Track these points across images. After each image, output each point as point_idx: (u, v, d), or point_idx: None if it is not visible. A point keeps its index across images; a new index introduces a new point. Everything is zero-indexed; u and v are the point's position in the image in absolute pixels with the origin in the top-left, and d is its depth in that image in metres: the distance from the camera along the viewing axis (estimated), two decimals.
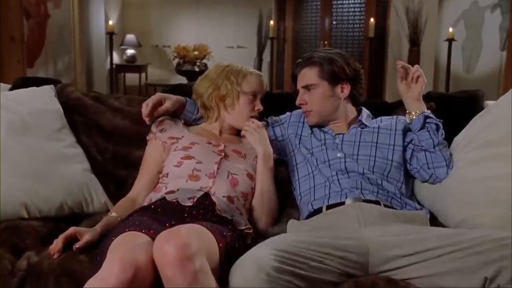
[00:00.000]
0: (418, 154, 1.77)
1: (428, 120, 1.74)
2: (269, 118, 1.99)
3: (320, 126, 1.88)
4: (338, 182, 1.72)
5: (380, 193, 1.68)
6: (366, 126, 1.85)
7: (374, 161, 1.76)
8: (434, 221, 1.69)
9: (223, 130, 1.85)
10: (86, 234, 1.47)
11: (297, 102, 1.85)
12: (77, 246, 1.44)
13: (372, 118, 1.91)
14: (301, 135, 1.89)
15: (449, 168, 1.72)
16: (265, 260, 1.26)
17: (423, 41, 6.07)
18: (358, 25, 7.14)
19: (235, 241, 1.44)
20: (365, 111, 1.91)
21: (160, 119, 1.84)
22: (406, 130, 1.83)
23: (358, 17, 7.14)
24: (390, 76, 6.34)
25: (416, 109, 1.76)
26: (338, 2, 7.12)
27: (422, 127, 1.74)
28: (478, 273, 1.28)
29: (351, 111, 1.89)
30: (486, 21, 6.14)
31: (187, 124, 1.89)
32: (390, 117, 1.91)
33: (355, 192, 1.67)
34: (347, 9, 7.24)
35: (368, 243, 1.43)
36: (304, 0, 7.51)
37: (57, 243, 1.45)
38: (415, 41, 6.06)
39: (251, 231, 1.59)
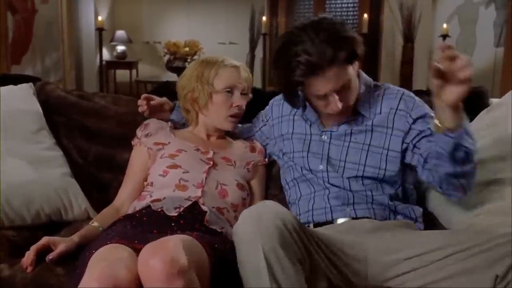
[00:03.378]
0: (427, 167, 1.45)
1: (460, 148, 1.27)
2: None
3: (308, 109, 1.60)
4: (327, 197, 1.53)
5: (372, 208, 1.51)
6: (363, 116, 1.54)
7: (363, 170, 1.52)
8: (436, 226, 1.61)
9: (210, 133, 1.74)
10: (60, 244, 1.37)
11: (335, 110, 1.46)
12: (50, 257, 1.34)
13: (375, 91, 1.58)
14: (282, 135, 1.69)
15: (466, 195, 1.42)
16: (287, 215, 1.17)
17: (417, 37, 6.04)
18: (351, 21, 7.07)
19: (227, 253, 1.33)
20: (363, 82, 1.56)
21: (145, 122, 1.74)
22: (408, 129, 1.51)
23: (352, 13, 7.09)
24: (383, 73, 6.30)
25: (448, 121, 1.26)
26: None
27: (449, 153, 1.29)
28: (487, 272, 1.19)
29: None
30: (480, 17, 6.10)
31: (175, 127, 1.79)
32: (395, 94, 1.56)
33: (346, 210, 1.51)
34: (340, 5, 7.18)
35: (366, 249, 1.35)
36: None
37: (29, 255, 1.34)
38: (409, 37, 6.02)
39: None
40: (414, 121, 1.51)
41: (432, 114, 1.39)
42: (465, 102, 1.50)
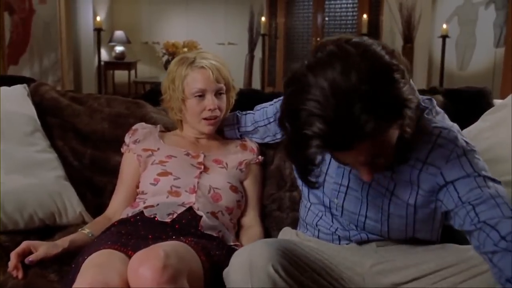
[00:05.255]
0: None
1: None
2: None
3: None
4: (335, 228, 1.35)
5: (386, 239, 1.32)
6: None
7: (388, 217, 1.24)
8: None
9: (197, 135, 1.69)
10: (41, 247, 1.34)
11: (365, 180, 1.14)
12: (30, 259, 1.31)
13: (426, 138, 1.17)
14: None
15: None
16: (279, 257, 1.08)
17: (416, 37, 6.02)
18: (351, 22, 7.07)
19: (223, 260, 1.30)
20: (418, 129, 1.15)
21: (133, 127, 1.70)
22: (438, 191, 1.17)
23: (351, 14, 7.08)
24: None
25: None
26: None
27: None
28: None
29: None
30: (480, 17, 6.07)
31: (164, 130, 1.75)
32: (448, 148, 1.14)
33: (354, 241, 1.35)
34: (339, 5, 7.17)
35: (363, 273, 1.30)
36: None
37: (12, 263, 1.31)
38: (408, 38, 6.00)
39: (239, 248, 1.44)
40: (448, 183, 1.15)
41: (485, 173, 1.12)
42: (468, 102, 1.43)
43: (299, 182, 1.43)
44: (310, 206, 1.41)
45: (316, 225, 1.39)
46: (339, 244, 1.37)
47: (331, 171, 1.31)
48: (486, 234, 1.07)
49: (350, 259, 1.32)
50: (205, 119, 1.61)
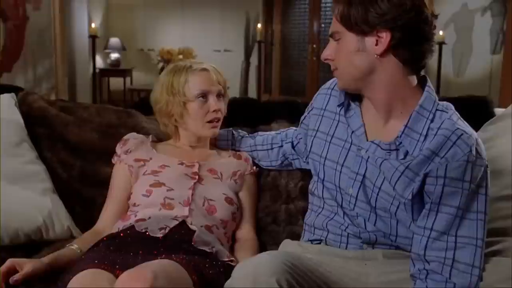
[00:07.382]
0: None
1: None
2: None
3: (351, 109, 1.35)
4: (346, 226, 1.36)
5: (393, 244, 1.34)
6: (410, 134, 1.23)
7: (394, 197, 1.27)
8: None
9: (193, 144, 1.64)
10: (26, 265, 1.29)
11: (322, 56, 1.30)
12: (14, 278, 1.26)
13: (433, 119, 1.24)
14: (317, 130, 1.44)
15: None
16: (283, 271, 1.08)
17: None
18: None
19: (216, 278, 1.26)
20: (428, 97, 1.26)
21: (125, 137, 1.65)
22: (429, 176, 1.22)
23: None
24: None
25: None
26: (327, 4, 7.03)
27: None
28: None
29: (410, 93, 1.26)
30: (476, 24, 6.08)
31: (157, 140, 1.71)
32: (449, 133, 1.22)
33: (363, 246, 1.35)
34: None
35: (368, 284, 1.27)
36: (292, 3, 7.44)
37: None
38: None
39: (234, 264, 1.39)
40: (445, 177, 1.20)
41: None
42: (469, 111, 1.46)
43: (314, 178, 1.45)
44: (322, 208, 1.41)
45: (326, 226, 1.39)
46: (346, 248, 1.35)
47: (349, 162, 1.33)
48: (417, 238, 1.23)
49: (355, 270, 1.30)
50: (208, 122, 1.58)
